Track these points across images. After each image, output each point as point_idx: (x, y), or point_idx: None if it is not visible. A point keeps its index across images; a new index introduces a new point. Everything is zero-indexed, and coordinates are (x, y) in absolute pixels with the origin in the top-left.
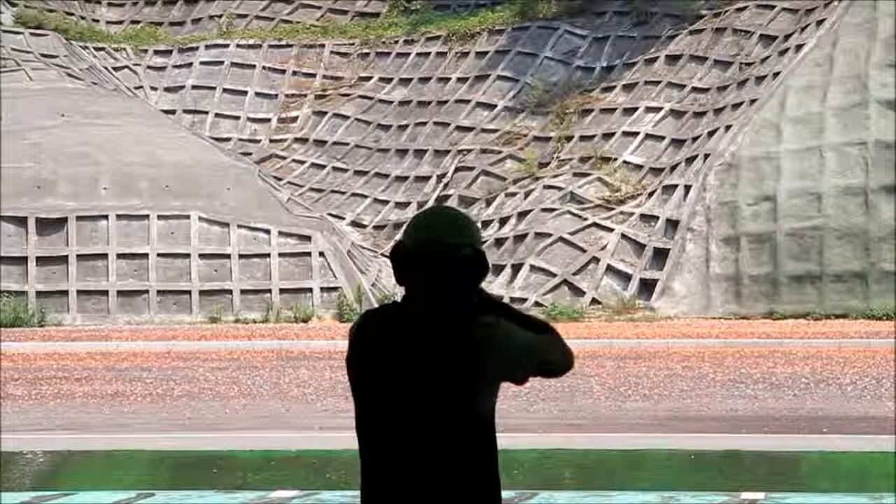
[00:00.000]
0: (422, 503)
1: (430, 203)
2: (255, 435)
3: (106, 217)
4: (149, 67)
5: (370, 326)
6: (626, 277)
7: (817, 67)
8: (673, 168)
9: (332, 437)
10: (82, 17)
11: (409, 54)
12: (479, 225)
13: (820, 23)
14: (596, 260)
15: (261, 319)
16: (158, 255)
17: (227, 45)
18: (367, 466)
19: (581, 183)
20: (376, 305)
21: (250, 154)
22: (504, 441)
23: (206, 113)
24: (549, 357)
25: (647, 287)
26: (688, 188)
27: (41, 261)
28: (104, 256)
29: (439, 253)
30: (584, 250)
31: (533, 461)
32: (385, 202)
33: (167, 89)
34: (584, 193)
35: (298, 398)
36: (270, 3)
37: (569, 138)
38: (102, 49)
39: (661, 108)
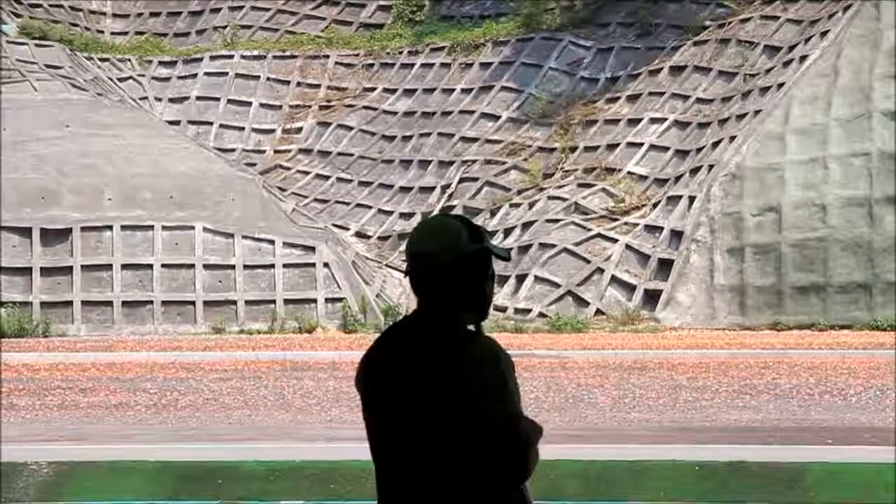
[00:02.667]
0: None
1: (435, 214)
2: (259, 445)
3: (110, 228)
4: (153, 78)
5: (380, 341)
6: (631, 288)
7: (821, 78)
8: (677, 179)
9: (336, 447)
10: (87, 28)
11: (413, 65)
12: None
13: (824, 34)
14: (600, 271)
15: (265, 330)
16: (163, 265)
17: (231, 56)
18: (380, 479)
19: (585, 194)
20: (380, 316)
21: (255, 165)
22: None
23: (211, 124)
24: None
25: (651, 298)
26: (692, 199)
27: (45, 271)
28: (108, 267)
29: (423, 264)
30: (588, 261)
31: (536, 472)
32: (389, 213)
33: (172, 100)
34: (589, 204)
35: (303, 409)
36: (275, 14)
37: (573, 149)
38: (107, 60)
39: (665, 119)
